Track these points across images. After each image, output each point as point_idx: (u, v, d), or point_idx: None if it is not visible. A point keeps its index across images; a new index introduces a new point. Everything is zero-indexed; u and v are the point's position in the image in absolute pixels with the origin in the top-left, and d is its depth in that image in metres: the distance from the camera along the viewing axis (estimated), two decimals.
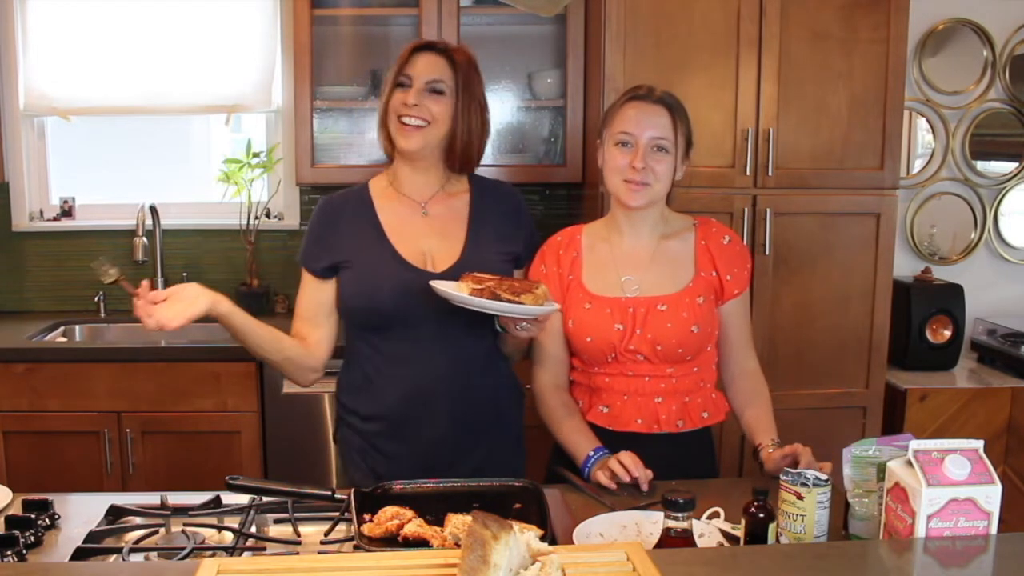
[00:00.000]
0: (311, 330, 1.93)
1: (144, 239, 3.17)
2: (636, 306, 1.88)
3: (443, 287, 1.74)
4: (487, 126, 1.94)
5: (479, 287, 1.71)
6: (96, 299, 3.36)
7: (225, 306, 1.76)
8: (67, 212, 3.43)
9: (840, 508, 1.51)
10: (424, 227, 1.91)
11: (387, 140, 1.91)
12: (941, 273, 3.36)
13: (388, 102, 1.88)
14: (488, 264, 1.88)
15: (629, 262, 1.93)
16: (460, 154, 1.90)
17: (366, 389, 1.92)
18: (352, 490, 1.57)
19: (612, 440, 1.85)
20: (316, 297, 1.92)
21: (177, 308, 1.66)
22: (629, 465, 1.73)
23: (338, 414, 2.02)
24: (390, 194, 1.95)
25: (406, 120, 1.85)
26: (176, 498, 1.63)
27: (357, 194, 1.96)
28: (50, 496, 1.62)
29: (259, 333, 1.83)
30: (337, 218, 1.92)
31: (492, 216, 1.95)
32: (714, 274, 1.92)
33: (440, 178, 1.95)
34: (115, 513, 1.59)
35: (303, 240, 1.95)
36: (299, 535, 1.53)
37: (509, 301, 1.68)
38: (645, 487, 1.73)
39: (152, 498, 1.63)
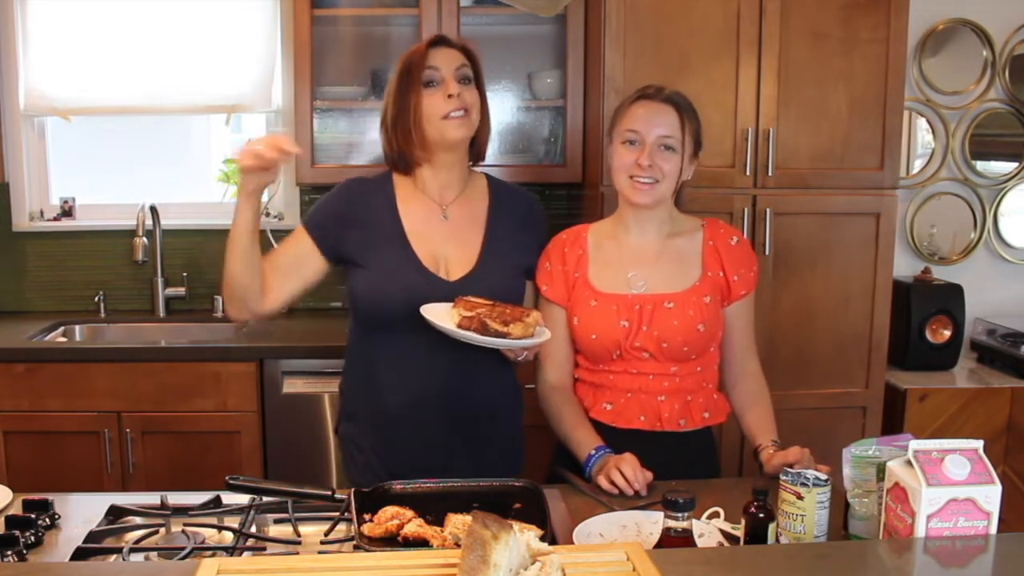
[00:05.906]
0: (276, 279, 1.87)
1: (144, 239, 3.17)
2: (643, 303, 1.88)
3: (434, 315, 1.76)
4: (489, 116, 1.97)
5: (469, 314, 1.74)
6: (96, 299, 3.35)
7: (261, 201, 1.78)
8: (67, 212, 3.43)
9: (840, 508, 1.51)
10: (443, 231, 1.91)
11: (413, 142, 1.87)
12: (941, 273, 3.35)
13: (420, 105, 1.84)
14: (500, 277, 1.90)
15: (636, 259, 1.93)
16: (480, 144, 1.94)
17: (368, 388, 1.92)
18: (352, 490, 1.57)
19: (615, 437, 1.86)
20: (300, 256, 1.88)
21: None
22: (630, 477, 1.73)
23: (340, 408, 2.02)
24: (414, 194, 1.94)
25: (454, 114, 1.84)
26: (176, 498, 1.63)
27: (382, 184, 1.94)
28: (50, 496, 1.62)
29: (256, 246, 1.80)
30: (361, 203, 1.90)
31: (509, 224, 1.95)
32: (721, 274, 1.93)
33: (463, 176, 1.95)
34: (115, 513, 1.59)
35: (317, 206, 1.91)
36: (299, 535, 1.54)
37: (496, 332, 1.71)
38: (644, 492, 1.73)
39: (152, 498, 1.63)
